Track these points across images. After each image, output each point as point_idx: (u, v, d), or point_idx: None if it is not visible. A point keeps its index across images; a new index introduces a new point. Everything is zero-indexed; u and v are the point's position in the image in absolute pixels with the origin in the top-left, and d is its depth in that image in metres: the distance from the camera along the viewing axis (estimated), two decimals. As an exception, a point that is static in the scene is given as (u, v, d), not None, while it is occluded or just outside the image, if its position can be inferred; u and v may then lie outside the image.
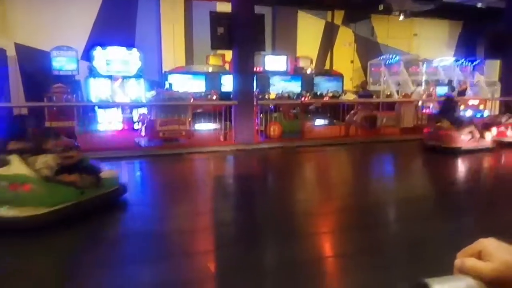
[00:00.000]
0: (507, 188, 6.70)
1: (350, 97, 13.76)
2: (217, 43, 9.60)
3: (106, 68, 12.19)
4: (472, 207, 5.62)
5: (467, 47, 17.69)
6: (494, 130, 9.68)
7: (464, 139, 8.81)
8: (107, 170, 5.13)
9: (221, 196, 6.31)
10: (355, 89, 16.14)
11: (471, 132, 8.92)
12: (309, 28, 16.67)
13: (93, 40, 12.81)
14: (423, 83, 15.47)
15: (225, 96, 11.85)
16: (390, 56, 16.15)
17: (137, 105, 11.72)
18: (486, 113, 13.26)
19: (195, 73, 13.70)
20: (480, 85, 16.31)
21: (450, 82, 15.44)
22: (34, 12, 12.52)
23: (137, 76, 12.60)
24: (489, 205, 5.67)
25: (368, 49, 17.57)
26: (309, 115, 11.75)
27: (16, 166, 4.24)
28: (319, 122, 12.74)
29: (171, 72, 13.54)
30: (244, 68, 9.54)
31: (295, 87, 14.90)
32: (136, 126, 11.26)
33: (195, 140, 9.47)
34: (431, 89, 14.64)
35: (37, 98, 10.50)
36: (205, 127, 11.17)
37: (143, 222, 4.92)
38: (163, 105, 9.36)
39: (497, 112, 12.55)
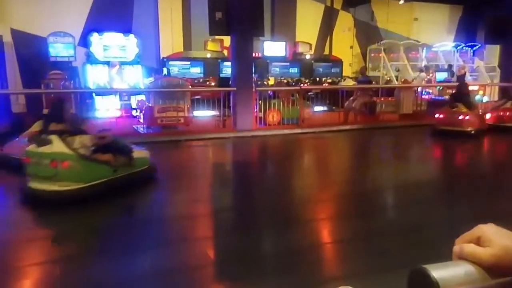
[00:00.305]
0: None
1: (349, 83, 13.70)
2: (216, 28, 9.50)
3: (104, 54, 12.09)
4: (478, 192, 5.64)
5: (467, 32, 17.55)
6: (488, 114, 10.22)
7: (475, 121, 9.25)
8: (138, 150, 5.54)
9: (220, 183, 6.33)
10: (354, 75, 16.06)
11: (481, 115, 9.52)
12: (308, 13, 16.48)
13: (90, 26, 12.66)
14: (424, 69, 15.39)
15: (223, 82, 11.78)
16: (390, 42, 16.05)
17: (135, 91, 11.65)
18: (485, 99, 13.23)
19: (193, 59, 13.61)
20: (480, 71, 16.26)
21: (450, 67, 15.36)
22: (30, -3, 12.36)
23: (135, 62, 12.51)
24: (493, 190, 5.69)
25: (367, 34, 17.42)
26: (308, 102, 11.70)
27: (57, 146, 4.67)
28: (318, 108, 12.70)
29: (169, 58, 13.44)
30: (242, 54, 9.46)
31: (294, 73, 14.82)
32: (134, 113, 11.21)
33: (193, 127, 9.45)
34: (430, 75, 14.57)
35: (34, 84, 10.43)
36: (203, 113, 11.14)
37: (140, 210, 4.94)
38: (161, 92, 9.31)
39: (496, 98, 12.54)
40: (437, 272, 0.54)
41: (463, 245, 0.59)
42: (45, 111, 8.87)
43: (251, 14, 9.32)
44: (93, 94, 11.67)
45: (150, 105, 9.29)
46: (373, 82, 13.19)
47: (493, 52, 16.89)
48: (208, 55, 13.72)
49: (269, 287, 2.99)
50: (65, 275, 3.21)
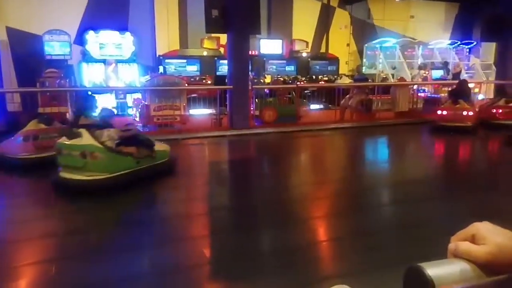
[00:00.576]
0: None
1: (345, 81, 13.70)
2: (212, 26, 9.47)
3: (100, 52, 12.03)
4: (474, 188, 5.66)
5: (463, 29, 17.58)
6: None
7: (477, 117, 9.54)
8: (159, 144, 5.89)
9: (216, 182, 6.32)
10: (350, 72, 16.07)
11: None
12: (305, 10, 16.46)
13: (85, 24, 12.60)
14: (423, 66, 15.42)
15: (220, 80, 11.75)
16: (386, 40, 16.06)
17: (131, 90, 11.61)
18: (480, 96, 13.27)
19: (189, 57, 13.58)
20: (476, 68, 16.29)
21: (446, 65, 15.39)
22: (25, -5, 12.28)
23: (131, 60, 12.45)
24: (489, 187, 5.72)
25: (364, 32, 17.43)
26: (304, 100, 11.70)
27: (86, 138, 5.04)
28: (315, 106, 12.70)
29: (165, 56, 13.40)
30: (239, 52, 9.45)
31: (290, 71, 14.81)
32: (130, 112, 11.17)
33: (190, 126, 9.43)
34: (427, 72, 14.59)
35: (30, 83, 10.36)
36: (200, 112, 11.12)
37: (137, 208, 4.93)
38: (157, 90, 9.28)
39: (491, 95, 12.58)
40: (432, 270, 0.54)
41: (458, 243, 0.59)
42: (41, 109, 8.85)
43: (247, 11, 9.30)
44: (89, 93, 11.59)
45: (146, 103, 9.26)
46: (369, 80, 13.20)
47: (489, 49, 16.93)
48: (205, 53, 13.69)
49: (266, 286, 3.00)
50: (58, 275, 3.20)
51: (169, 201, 5.18)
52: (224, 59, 11.87)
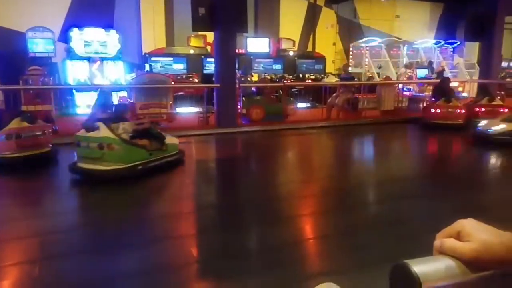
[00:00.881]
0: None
1: (332, 79, 13.76)
2: (199, 24, 9.41)
3: (84, 50, 11.88)
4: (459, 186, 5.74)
5: (447, 29, 17.83)
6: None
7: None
8: (170, 137, 6.25)
9: (203, 180, 6.31)
10: (337, 71, 16.16)
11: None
12: (291, 9, 16.50)
13: (70, 21, 12.42)
14: (409, 65, 15.60)
15: (207, 78, 11.70)
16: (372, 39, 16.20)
17: (116, 88, 11.49)
18: (464, 95, 13.47)
19: (176, 55, 13.49)
20: (459, 67, 16.54)
21: (430, 64, 15.59)
22: (7, -9, 12.05)
23: (116, 58, 12.32)
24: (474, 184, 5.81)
25: (350, 31, 17.54)
26: (291, 98, 11.73)
27: (103, 131, 5.39)
28: (302, 105, 12.75)
29: (151, 54, 13.29)
30: (226, 50, 9.42)
31: (277, 69, 14.83)
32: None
33: (176, 124, 9.37)
34: (412, 71, 14.76)
35: (12, 80, 10.16)
36: (186, 110, 11.05)
37: (123, 207, 4.88)
38: (143, 88, 9.20)
39: (475, 94, 12.79)
40: (418, 267, 0.54)
41: (443, 240, 0.59)
42: (24, 107, 8.69)
43: (234, 10, 9.27)
44: (73, 91, 11.46)
45: (132, 101, 9.17)
46: (356, 79, 13.29)
47: (472, 49, 17.21)
48: (192, 51, 13.62)
49: (253, 284, 3.00)
50: (42, 275, 3.16)
51: (155, 200, 5.15)
52: (211, 57, 11.82)
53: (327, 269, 3.30)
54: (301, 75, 14.87)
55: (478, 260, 0.55)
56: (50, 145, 6.62)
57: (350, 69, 15.44)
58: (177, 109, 10.22)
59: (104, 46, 12.10)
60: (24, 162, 5.97)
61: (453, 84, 13.69)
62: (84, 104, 11.58)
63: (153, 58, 13.11)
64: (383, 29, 17.91)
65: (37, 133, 6.40)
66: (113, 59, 12.26)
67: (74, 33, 11.71)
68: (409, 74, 14.35)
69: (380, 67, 16.05)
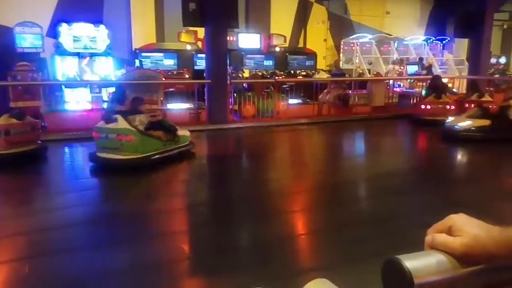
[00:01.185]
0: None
1: (323, 76, 13.78)
2: (189, 19, 9.36)
3: (73, 45, 11.75)
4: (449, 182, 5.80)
5: (437, 25, 17.93)
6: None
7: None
8: (182, 130, 6.64)
9: (194, 177, 6.29)
10: (328, 68, 16.19)
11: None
12: (282, 5, 16.47)
13: (58, 16, 12.26)
14: (397, 61, 15.66)
15: (198, 74, 11.64)
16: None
17: (106, 83, 11.39)
18: (454, 91, 13.57)
19: (166, 51, 13.40)
20: (449, 64, 16.66)
21: (421, 60, 15.69)
22: (-6, -15, 11.86)
23: (106, 53, 12.21)
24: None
25: (341, 27, 17.57)
26: (282, 94, 11.73)
27: (121, 123, 5.74)
28: (293, 101, 12.75)
29: (142, 49, 13.19)
30: (217, 45, 9.38)
31: (268, 65, 14.81)
32: (105, 106, 10.96)
33: (167, 120, 9.30)
34: (402, 68, 14.84)
35: (0, 76, 10.02)
36: (177, 106, 11.00)
37: (113, 203, 4.85)
38: (133, 84, 9.12)
39: (464, 90, 12.91)
40: (410, 262, 0.54)
41: (434, 235, 0.60)
42: (13, 104, 8.57)
43: (225, 5, 9.23)
44: (63, 87, 11.34)
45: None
46: (347, 75, 13.33)
47: (461, 45, 17.34)
48: (183, 47, 13.54)
49: (245, 280, 3.00)
50: (32, 272, 3.13)
51: (146, 196, 5.12)
52: (202, 53, 11.76)
53: (318, 265, 3.32)
54: (292, 71, 14.86)
55: (469, 255, 0.56)
56: (39, 142, 6.55)
57: (340, 65, 15.48)
58: (168, 105, 10.17)
59: (93, 41, 11.98)
60: (13, 159, 5.91)
61: (443, 80, 13.83)
62: (73, 100, 11.47)
63: (143, 54, 13.01)
64: (374, 26, 17.96)
65: (26, 130, 6.33)
66: (103, 54, 12.15)
67: (63, 28, 11.57)
68: (399, 70, 14.42)
69: (370, 64, 16.11)
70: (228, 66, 10.08)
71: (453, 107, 9.87)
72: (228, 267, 3.19)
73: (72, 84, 11.39)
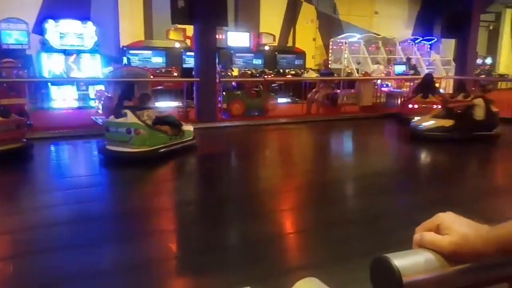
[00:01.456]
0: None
1: (312, 75, 13.82)
2: (178, 17, 9.30)
3: (60, 42, 11.60)
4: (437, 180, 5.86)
5: (425, 26, 18.08)
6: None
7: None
8: (186, 125, 6.98)
9: (183, 175, 6.27)
10: (317, 67, 16.24)
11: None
12: (272, 3, 16.47)
13: (45, 12, 12.08)
14: (383, 61, 15.77)
15: (187, 72, 11.58)
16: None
17: (93, 81, 11.27)
18: (441, 91, 13.71)
19: (154, 48, 13.31)
20: (436, 64, 16.83)
21: (408, 60, 15.83)
22: (-22, -20, 11.62)
23: (93, 51, 12.08)
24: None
25: (330, 27, 17.63)
26: (272, 93, 11.74)
27: (130, 117, 6.00)
28: (282, 100, 12.77)
29: (129, 46, 13.07)
30: (206, 43, 9.33)
31: (257, 64, 14.81)
32: (92, 104, 10.85)
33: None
34: (389, 67, 14.95)
35: (-15, 73, 9.86)
36: (166, 105, 10.92)
37: (100, 203, 4.80)
38: (121, 82, 9.03)
39: (451, 90, 13.05)
40: (398, 260, 0.54)
41: (423, 233, 0.60)
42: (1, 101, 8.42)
43: (214, 3, 9.19)
44: (49, 84, 11.18)
45: (109, 95, 9.00)
46: (335, 75, 13.38)
47: (448, 46, 17.54)
48: (170, 45, 13.45)
49: (234, 278, 2.99)
50: (16, 272, 3.08)
51: (135, 195, 5.08)
52: (191, 51, 11.71)
53: (307, 263, 3.33)
54: (281, 70, 14.88)
55: (457, 253, 0.56)
56: (25, 140, 6.45)
57: (329, 64, 15.55)
58: (156, 103, 10.08)
59: (80, 38, 11.85)
60: (-1, 158, 5.81)
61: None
62: (59, 98, 11.32)
63: (131, 51, 12.92)
64: (362, 25, 18.07)
65: (12, 127, 6.22)
66: (90, 51, 12.02)
67: (49, 24, 11.41)
68: (386, 71, 14.52)
69: (359, 63, 16.20)
70: (217, 65, 10.05)
71: (439, 107, 9.95)
72: (217, 266, 3.18)
73: (59, 81, 11.25)
